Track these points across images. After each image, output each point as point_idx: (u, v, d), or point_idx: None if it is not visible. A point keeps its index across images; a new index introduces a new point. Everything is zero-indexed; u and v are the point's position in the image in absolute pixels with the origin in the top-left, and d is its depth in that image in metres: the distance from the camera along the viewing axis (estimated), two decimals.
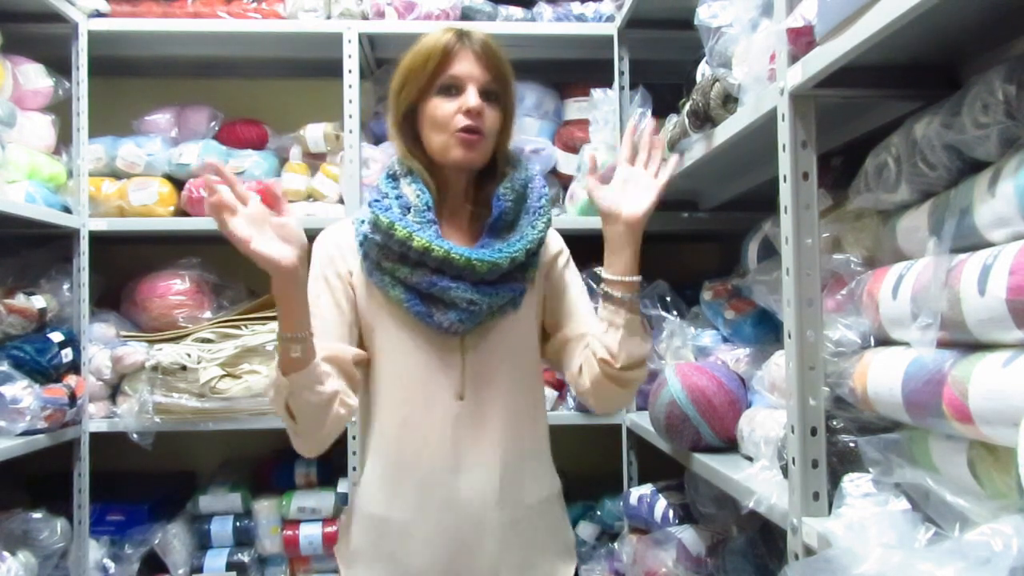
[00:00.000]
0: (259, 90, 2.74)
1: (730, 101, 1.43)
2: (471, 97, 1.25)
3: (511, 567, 1.29)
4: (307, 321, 1.17)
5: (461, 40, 1.27)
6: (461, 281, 1.23)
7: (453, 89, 1.26)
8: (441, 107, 1.26)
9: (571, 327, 1.38)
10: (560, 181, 2.49)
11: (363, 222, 1.31)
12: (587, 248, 2.42)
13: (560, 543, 1.38)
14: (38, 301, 2.13)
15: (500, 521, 1.28)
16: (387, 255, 1.27)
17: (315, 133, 2.44)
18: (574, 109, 2.53)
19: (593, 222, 2.35)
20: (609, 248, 1.29)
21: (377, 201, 1.29)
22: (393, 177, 1.33)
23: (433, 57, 1.26)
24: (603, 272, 1.30)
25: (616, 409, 1.36)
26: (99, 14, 2.34)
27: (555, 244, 1.42)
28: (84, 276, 2.28)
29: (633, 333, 1.27)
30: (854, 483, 1.03)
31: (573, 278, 1.42)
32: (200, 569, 2.34)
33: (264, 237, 1.08)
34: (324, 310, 1.29)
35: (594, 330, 1.31)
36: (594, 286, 2.30)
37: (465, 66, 1.26)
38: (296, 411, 1.19)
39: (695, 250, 2.71)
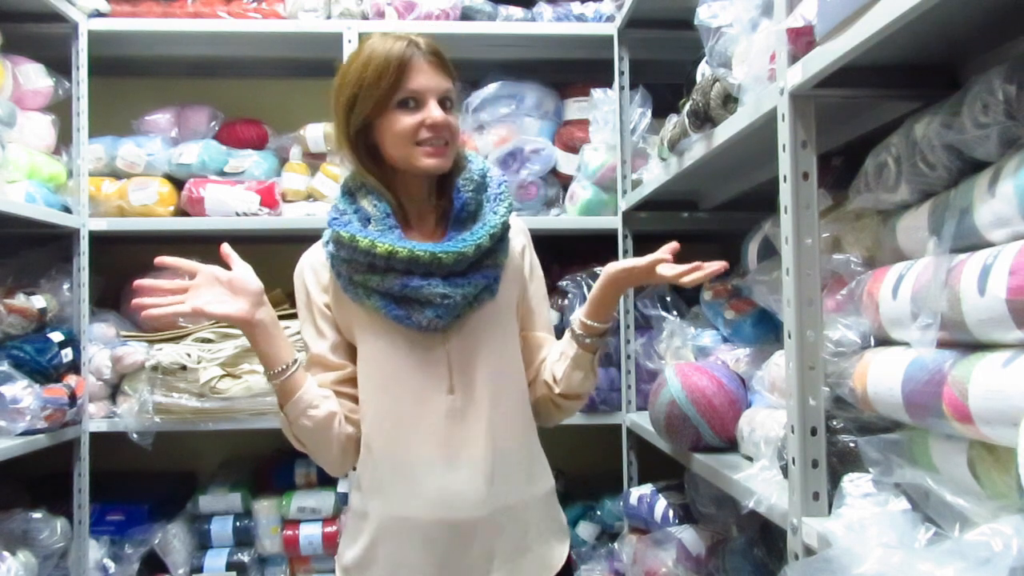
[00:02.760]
0: (259, 90, 2.74)
1: (730, 101, 1.43)
2: (435, 110, 1.25)
3: (505, 553, 1.30)
4: (283, 355, 1.26)
5: (414, 50, 1.26)
6: (432, 277, 1.25)
7: (412, 102, 1.26)
8: (402, 121, 1.26)
9: (528, 335, 1.42)
10: (560, 181, 2.49)
11: (328, 242, 1.34)
12: (587, 248, 2.43)
13: (555, 524, 1.39)
14: (38, 301, 2.13)
15: (494, 508, 1.29)
16: (356, 268, 1.28)
17: (315, 133, 2.44)
18: (574, 109, 2.53)
19: (593, 222, 2.36)
20: (591, 293, 1.37)
21: (336, 219, 1.31)
22: (349, 193, 1.34)
23: (388, 72, 1.25)
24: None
25: (546, 424, 1.44)
26: (99, 14, 2.34)
27: (520, 236, 1.42)
28: (84, 276, 2.28)
29: (577, 368, 1.35)
30: (854, 483, 1.03)
31: (536, 283, 1.44)
32: (200, 569, 2.34)
33: (217, 298, 1.22)
34: (309, 341, 1.36)
35: (551, 351, 1.41)
36: (586, 292, 2.31)
37: (422, 79, 1.26)
38: (301, 438, 1.29)
39: (695, 250, 2.69)
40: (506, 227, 1.33)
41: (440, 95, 1.27)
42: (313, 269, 1.36)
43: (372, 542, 1.31)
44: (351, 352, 1.35)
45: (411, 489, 1.28)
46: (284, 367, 1.25)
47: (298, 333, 2.21)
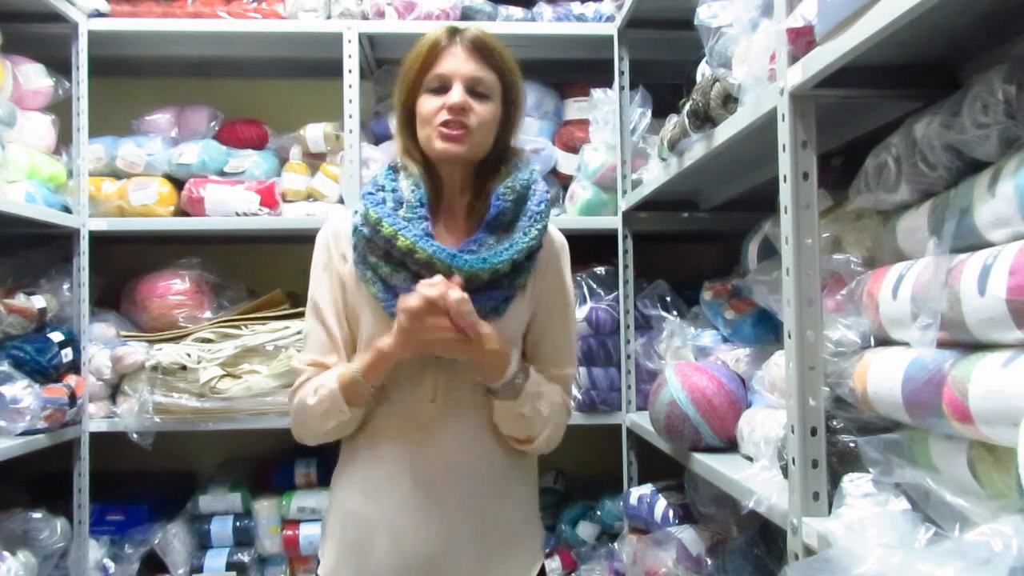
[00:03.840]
0: (259, 90, 2.74)
1: (730, 101, 1.43)
2: (454, 93, 1.24)
3: (475, 568, 1.29)
4: (385, 374, 1.26)
5: (452, 38, 1.27)
6: None
7: (441, 88, 1.26)
8: (427, 104, 1.26)
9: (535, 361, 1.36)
10: (560, 181, 2.50)
11: (356, 213, 1.32)
12: (586, 248, 2.43)
13: (528, 544, 1.36)
14: (38, 301, 2.13)
15: (466, 523, 1.28)
16: (372, 249, 1.27)
17: (315, 133, 2.44)
18: (574, 109, 2.53)
19: (593, 222, 2.36)
20: None
21: (371, 194, 1.30)
22: (394, 169, 1.34)
23: (421, 56, 1.27)
24: None
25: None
26: (99, 14, 2.34)
27: (556, 255, 1.36)
28: (84, 276, 2.28)
29: (503, 416, 1.29)
30: (854, 483, 1.03)
31: (555, 311, 1.36)
32: (200, 569, 2.34)
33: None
34: (322, 304, 1.33)
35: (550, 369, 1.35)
36: (593, 285, 2.32)
37: (451, 63, 1.26)
38: (339, 427, 1.29)
39: (695, 250, 2.71)
40: (532, 251, 1.28)
41: (469, 81, 1.25)
42: (336, 236, 1.34)
43: (347, 530, 1.31)
44: (351, 338, 1.33)
45: (386, 489, 1.28)
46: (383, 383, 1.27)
47: (298, 333, 2.24)
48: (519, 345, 1.34)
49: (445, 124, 1.24)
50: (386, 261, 1.25)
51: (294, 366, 1.35)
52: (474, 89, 1.26)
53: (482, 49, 1.27)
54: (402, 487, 1.28)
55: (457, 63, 1.26)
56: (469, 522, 1.29)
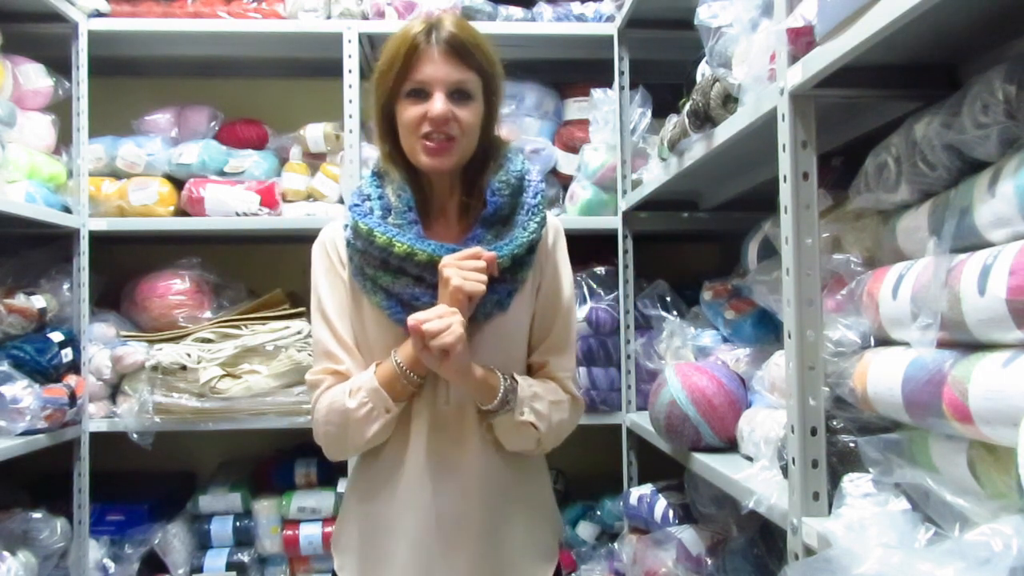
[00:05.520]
0: (259, 90, 2.74)
1: (730, 101, 1.43)
2: (436, 103, 1.20)
3: (489, 568, 1.29)
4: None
5: (428, 38, 1.21)
6: None
7: (422, 93, 1.22)
8: (409, 111, 1.22)
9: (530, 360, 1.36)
10: (560, 181, 2.50)
11: (346, 226, 1.30)
12: (587, 248, 2.43)
13: (542, 544, 1.36)
14: (38, 301, 2.13)
15: (481, 522, 1.27)
16: (369, 261, 1.25)
17: (315, 133, 2.44)
18: (574, 109, 2.53)
19: (593, 222, 2.36)
20: None
21: (357, 206, 1.27)
22: (378, 176, 1.31)
23: (398, 59, 1.21)
24: None
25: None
26: (99, 14, 2.34)
27: (552, 243, 1.36)
28: (84, 276, 2.28)
29: (505, 431, 1.27)
30: (854, 483, 1.03)
31: (554, 300, 1.34)
32: (200, 569, 2.34)
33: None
34: (332, 311, 1.31)
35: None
36: (593, 285, 2.32)
37: (430, 69, 1.21)
38: (382, 430, 1.24)
39: (695, 250, 2.71)
40: (532, 244, 1.27)
41: (450, 87, 1.21)
42: (335, 244, 1.32)
43: (365, 531, 1.31)
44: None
45: (401, 491, 1.28)
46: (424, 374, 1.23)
47: (298, 333, 2.25)
48: (525, 339, 1.34)
49: (429, 136, 1.22)
50: (384, 270, 1.24)
51: (308, 379, 1.31)
52: (456, 92, 1.22)
53: (460, 49, 1.22)
54: (420, 490, 1.27)
55: (436, 69, 1.21)
56: (482, 533, 1.28)
